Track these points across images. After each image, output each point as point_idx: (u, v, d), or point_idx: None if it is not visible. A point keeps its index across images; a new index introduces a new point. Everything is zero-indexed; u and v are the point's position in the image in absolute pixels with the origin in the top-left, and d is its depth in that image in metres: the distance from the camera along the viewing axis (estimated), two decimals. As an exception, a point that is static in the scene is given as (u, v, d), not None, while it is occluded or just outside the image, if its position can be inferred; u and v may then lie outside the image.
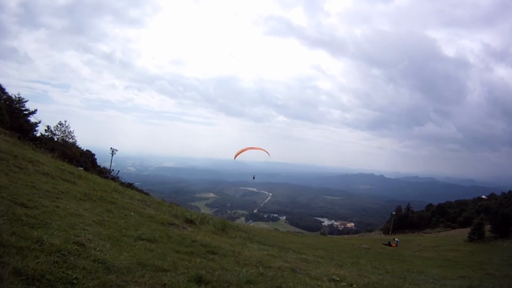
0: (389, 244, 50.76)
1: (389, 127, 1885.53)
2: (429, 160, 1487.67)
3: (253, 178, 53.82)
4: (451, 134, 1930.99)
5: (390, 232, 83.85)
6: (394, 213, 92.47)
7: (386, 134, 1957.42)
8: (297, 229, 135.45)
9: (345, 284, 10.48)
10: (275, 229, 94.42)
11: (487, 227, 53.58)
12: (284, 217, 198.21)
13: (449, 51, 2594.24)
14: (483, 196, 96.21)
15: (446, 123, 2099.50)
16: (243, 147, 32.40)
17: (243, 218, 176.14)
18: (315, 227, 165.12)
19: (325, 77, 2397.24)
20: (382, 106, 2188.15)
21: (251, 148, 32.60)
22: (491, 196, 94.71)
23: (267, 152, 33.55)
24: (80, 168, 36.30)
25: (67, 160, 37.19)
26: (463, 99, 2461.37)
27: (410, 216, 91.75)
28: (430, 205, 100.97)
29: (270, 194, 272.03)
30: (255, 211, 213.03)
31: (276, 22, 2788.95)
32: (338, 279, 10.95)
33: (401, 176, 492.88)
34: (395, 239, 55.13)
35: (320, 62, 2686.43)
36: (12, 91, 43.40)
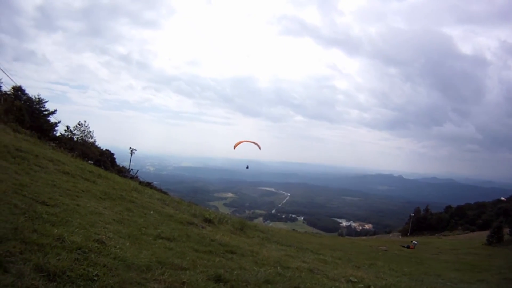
0: (408, 247, 50.20)
1: (408, 127, 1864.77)
2: (448, 161, 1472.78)
3: (247, 167, 53.66)
4: (470, 134, 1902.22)
5: (408, 234, 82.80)
6: (413, 214, 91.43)
7: (405, 134, 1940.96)
8: (315, 230, 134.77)
9: (362, 285, 10.42)
10: (293, 229, 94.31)
11: (506, 230, 52.38)
12: (302, 218, 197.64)
13: (465, 48, 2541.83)
14: (503, 198, 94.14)
15: (465, 123, 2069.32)
16: (253, 142, 33.08)
17: (261, 218, 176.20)
18: (333, 228, 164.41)
19: (342, 76, 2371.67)
20: (400, 106, 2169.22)
21: (246, 141, 33.17)
22: (511, 198, 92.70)
23: (258, 146, 33.96)
24: (90, 162, 36.75)
25: (86, 159, 37.64)
26: (482, 97, 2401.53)
27: (429, 218, 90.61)
28: (449, 207, 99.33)
29: (288, 194, 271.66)
30: (273, 211, 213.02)
31: (290, 22, 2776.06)
32: (355, 280, 10.89)
33: (419, 177, 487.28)
34: (413, 241, 54.44)
35: (336, 61, 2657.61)
36: (31, 92, 43.83)
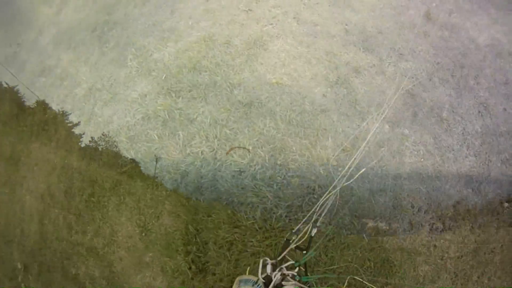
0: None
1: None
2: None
3: None
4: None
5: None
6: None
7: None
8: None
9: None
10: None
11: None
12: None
13: (481, 38, 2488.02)
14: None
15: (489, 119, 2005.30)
16: (243, 147, 32.90)
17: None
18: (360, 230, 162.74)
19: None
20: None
21: (237, 147, 32.99)
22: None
23: (248, 151, 33.64)
24: None
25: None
26: (502, 89, 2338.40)
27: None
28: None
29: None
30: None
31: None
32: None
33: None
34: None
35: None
36: (54, 106, 44.59)
